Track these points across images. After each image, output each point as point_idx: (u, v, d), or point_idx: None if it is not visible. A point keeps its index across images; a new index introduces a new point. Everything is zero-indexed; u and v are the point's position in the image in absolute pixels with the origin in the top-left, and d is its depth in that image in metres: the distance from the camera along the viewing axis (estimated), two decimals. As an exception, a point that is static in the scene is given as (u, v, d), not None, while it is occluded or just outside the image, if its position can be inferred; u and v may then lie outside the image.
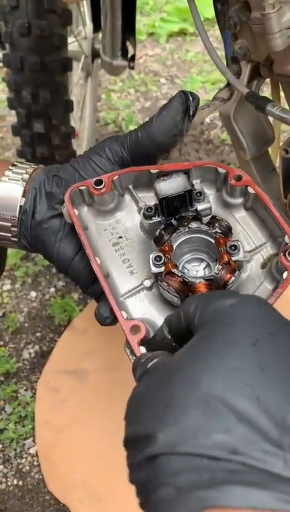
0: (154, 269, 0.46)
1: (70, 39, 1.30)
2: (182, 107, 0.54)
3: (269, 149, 0.86)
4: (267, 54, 0.68)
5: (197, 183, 0.52)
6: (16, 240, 0.58)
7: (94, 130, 1.76)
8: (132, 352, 0.43)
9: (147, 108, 2.05)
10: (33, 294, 1.42)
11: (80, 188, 0.51)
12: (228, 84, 0.72)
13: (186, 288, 0.44)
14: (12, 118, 1.49)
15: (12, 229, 0.57)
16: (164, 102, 0.56)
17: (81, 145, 1.55)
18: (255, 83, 0.76)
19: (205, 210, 0.49)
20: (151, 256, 0.46)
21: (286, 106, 0.73)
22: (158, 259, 0.45)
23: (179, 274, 0.45)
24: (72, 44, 1.39)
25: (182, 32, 2.44)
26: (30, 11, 1.01)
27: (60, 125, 1.17)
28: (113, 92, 2.13)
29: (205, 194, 0.50)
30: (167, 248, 0.47)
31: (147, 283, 0.48)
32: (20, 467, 1.10)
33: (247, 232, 0.50)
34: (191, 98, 0.54)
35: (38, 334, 1.32)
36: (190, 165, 0.51)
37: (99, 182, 0.51)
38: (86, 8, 1.47)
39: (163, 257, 0.46)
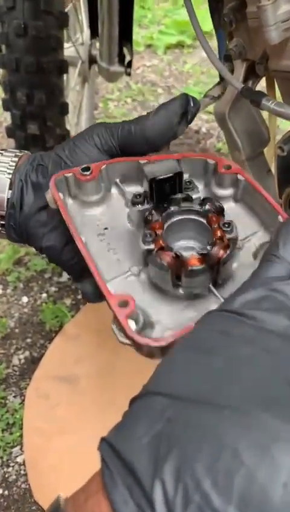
0: (144, 246, 0.43)
1: (67, 45, 1.31)
2: (181, 110, 0.52)
3: (265, 150, 0.85)
4: (263, 52, 0.68)
5: (186, 177, 0.51)
6: (5, 232, 0.57)
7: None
8: (120, 328, 0.39)
9: (143, 117, 2.05)
10: (25, 299, 1.40)
11: (66, 175, 0.50)
12: (219, 83, 0.72)
13: (179, 263, 0.42)
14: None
15: (1, 222, 0.56)
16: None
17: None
18: (251, 82, 0.76)
19: (196, 200, 0.48)
20: (141, 233, 0.44)
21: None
22: (149, 235, 0.43)
23: (171, 248, 0.43)
24: (69, 49, 1.39)
25: (180, 45, 2.47)
26: (26, 12, 1.01)
27: (54, 128, 1.16)
28: (110, 101, 2.14)
29: (195, 184, 0.49)
30: (157, 225, 0.45)
31: (135, 270, 0.46)
32: (7, 476, 1.06)
33: (237, 224, 0.49)
34: (192, 103, 0.52)
35: (28, 340, 1.30)
36: (179, 156, 0.50)
37: (86, 169, 0.49)
38: (83, 15, 1.48)
39: (153, 234, 0.44)
